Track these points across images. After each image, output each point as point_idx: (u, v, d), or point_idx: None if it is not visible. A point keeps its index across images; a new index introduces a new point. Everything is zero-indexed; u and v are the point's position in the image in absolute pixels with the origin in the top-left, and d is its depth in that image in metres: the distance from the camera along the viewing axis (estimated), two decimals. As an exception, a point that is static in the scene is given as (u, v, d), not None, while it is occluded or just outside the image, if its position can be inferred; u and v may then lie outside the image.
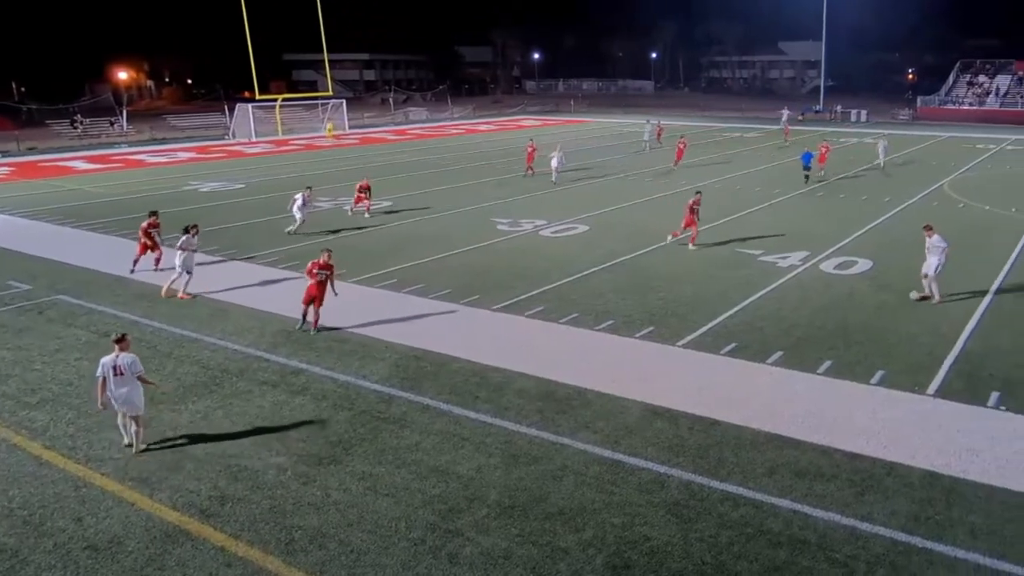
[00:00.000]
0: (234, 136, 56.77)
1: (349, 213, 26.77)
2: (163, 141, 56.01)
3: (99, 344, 14.86)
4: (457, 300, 17.33)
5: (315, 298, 15.27)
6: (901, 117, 75.15)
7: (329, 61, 62.20)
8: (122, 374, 10.54)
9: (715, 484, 9.85)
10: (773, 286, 18.22)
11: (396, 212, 27.67)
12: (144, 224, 20.29)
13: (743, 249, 21.77)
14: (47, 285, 18.77)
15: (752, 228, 24.66)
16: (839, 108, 76.48)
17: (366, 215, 26.32)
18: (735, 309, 16.54)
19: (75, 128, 59.46)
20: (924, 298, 17.06)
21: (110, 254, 21.91)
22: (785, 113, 68.51)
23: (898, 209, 27.84)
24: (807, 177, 33.38)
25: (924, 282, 17.07)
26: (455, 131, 63.64)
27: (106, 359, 10.63)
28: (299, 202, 23.62)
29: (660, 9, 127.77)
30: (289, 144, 53.18)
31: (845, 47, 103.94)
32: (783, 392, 12.51)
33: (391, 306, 17.11)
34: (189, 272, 17.82)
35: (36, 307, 17.18)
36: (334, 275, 15.62)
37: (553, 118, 78.48)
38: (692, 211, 21.63)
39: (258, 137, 55.67)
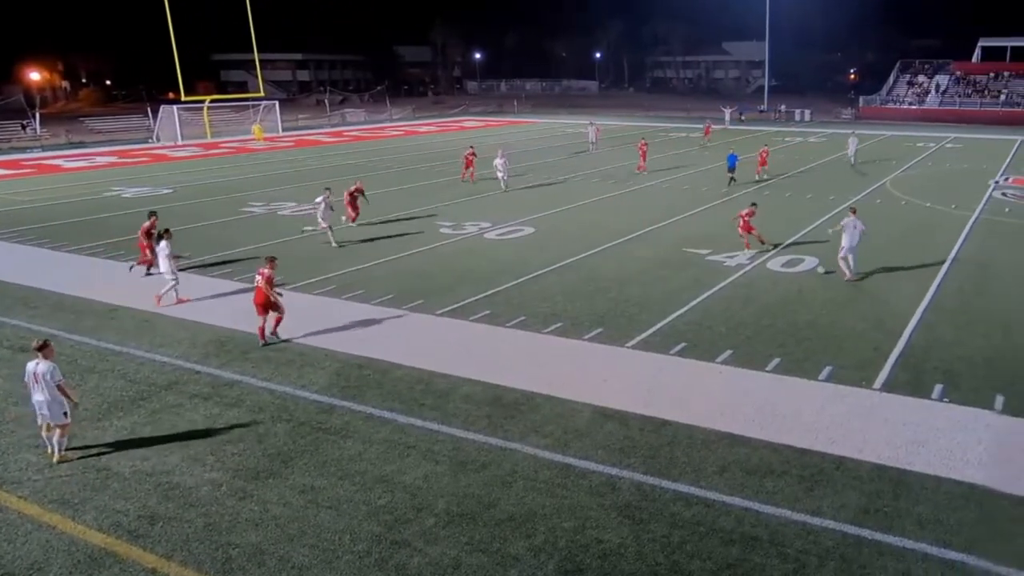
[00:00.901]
0: (158, 139, 55.67)
1: (352, 223, 25.98)
2: (81, 145, 54.56)
3: (15, 360, 14.40)
4: (400, 305, 17.27)
5: (261, 305, 14.99)
6: (844, 116, 77.52)
7: (260, 61, 61.49)
8: (38, 382, 10.49)
9: (667, 484, 10.01)
10: (721, 285, 18.60)
11: (334, 216, 27.39)
12: (145, 225, 20.09)
13: (691, 249, 22.17)
14: (-44, 298, 18.13)
15: (700, 227, 25.15)
16: (783, 107, 78.53)
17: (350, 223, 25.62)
18: (684, 309, 16.84)
19: (-16, 132, 57.61)
20: (830, 272, 19.29)
21: (25, 264, 21.26)
22: (727, 112, 70.04)
23: (843, 206, 28.64)
24: (732, 179, 33.60)
25: (841, 262, 19.10)
26: (394, 133, 63.44)
27: (29, 364, 10.64)
28: (322, 206, 23.05)
29: (604, 9, 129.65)
30: (219, 147, 52.32)
31: (789, 47, 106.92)
32: (733, 390, 12.78)
33: (331, 313, 16.95)
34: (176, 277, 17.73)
35: (-55, 322, 16.59)
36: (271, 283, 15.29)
37: (496, 119, 78.86)
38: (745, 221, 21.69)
39: (184, 140, 54.66)
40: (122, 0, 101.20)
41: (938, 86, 78.56)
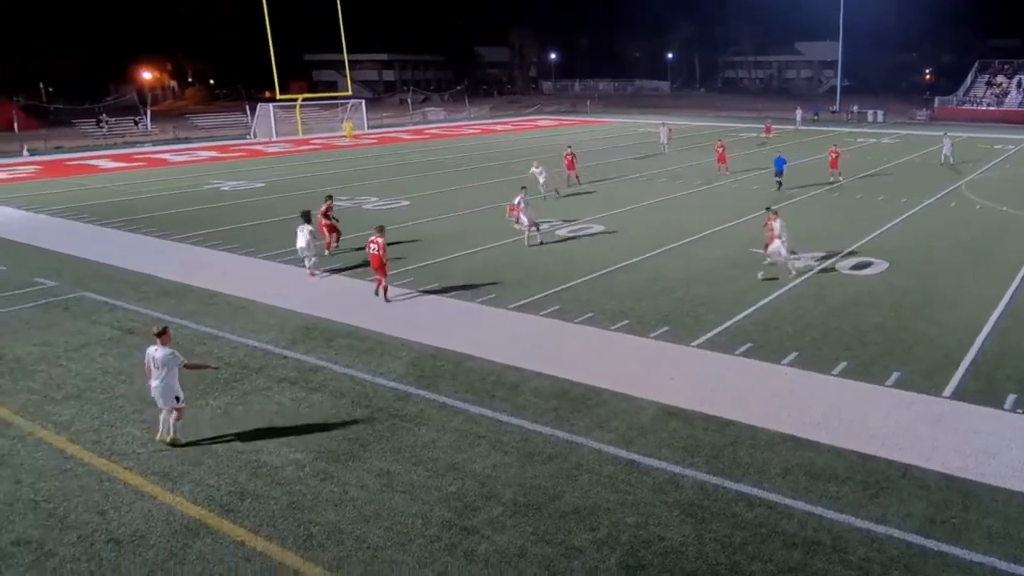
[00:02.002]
0: (255, 136, 57.09)
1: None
2: (185, 140, 56.41)
3: (123, 340, 15.01)
4: (473, 299, 17.34)
5: (378, 269, 17.12)
6: (918, 117, 74.50)
7: (349, 61, 62.33)
8: (157, 368, 10.65)
9: (729, 484, 9.80)
10: (789, 287, 18.10)
11: (413, 212, 27.72)
12: (323, 208, 21.33)
13: (759, 250, 21.61)
14: (72, 282, 18.95)
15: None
16: (855, 108, 75.90)
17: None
18: (750, 309, 16.44)
19: (100, 128, 60.00)
20: (771, 278, 18.57)
21: (134, 251, 22.10)
22: (799, 112, 68.03)
23: (915, 210, 27.57)
24: (779, 184, 31.79)
25: (769, 262, 18.96)
26: (472, 131, 63.68)
27: (149, 349, 10.85)
28: (522, 204, 22.61)
29: (677, 9, 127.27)
30: (308, 144, 53.41)
31: (863, 47, 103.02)
32: (798, 393, 12.42)
33: (408, 304, 17.15)
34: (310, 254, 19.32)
35: (62, 303, 17.35)
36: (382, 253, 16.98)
37: (569, 118, 78.39)
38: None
39: (278, 136, 55.98)
40: (225, 5, 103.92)
41: (1020, 84, 74.72)
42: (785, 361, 13.65)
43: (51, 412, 11.98)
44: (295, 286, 18.57)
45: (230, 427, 11.49)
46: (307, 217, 19.60)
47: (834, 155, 34.56)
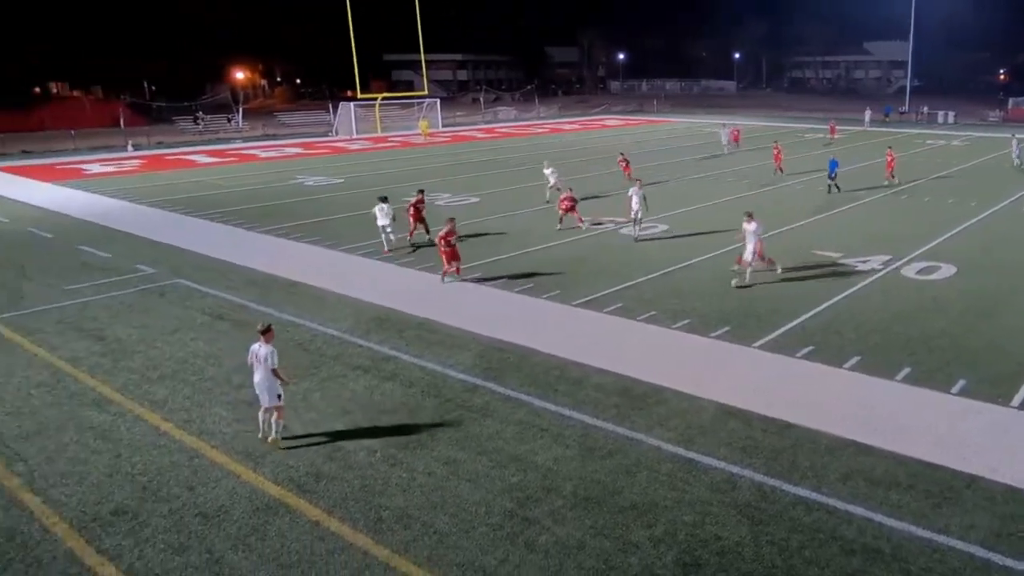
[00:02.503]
0: (337, 133, 58.10)
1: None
2: (273, 137, 57.80)
3: (213, 326, 15.48)
4: (539, 295, 17.29)
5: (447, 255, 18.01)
6: (991, 118, 71.07)
7: (426, 62, 62.79)
8: (259, 363, 10.41)
9: (787, 487, 9.53)
10: (853, 289, 17.50)
11: (483, 208, 27.79)
12: (413, 200, 22.24)
13: (823, 251, 20.99)
14: (169, 269, 19.63)
15: (833, 230, 23.77)
16: (926, 109, 72.85)
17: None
18: (813, 312, 15.95)
19: (197, 124, 61.96)
20: (744, 286, 17.66)
21: (225, 241, 22.76)
22: (868, 113, 65.75)
23: (985, 214, 26.33)
24: (833, 187, 30.21)
25: (740, 267, 17.92)
26: (541, 130, 63.51)
27: (253, 346, 10.58)
28: (635, 198, 22.35)
29: (744, 9, 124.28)
30: (387, 141, 54.11)
31: (934, 46, 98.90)
32: (859, 397, 11.99)
33: (477, 298, 17.21)
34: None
35: (158, 289, 17.99)
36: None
37: (635, 118, 77.44)
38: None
39: (359, 134, 56.84)
40: (312, 8, 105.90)
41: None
42: (847, 365, 13.19)
43: (148, 391, 12.43)
44: (370, 278, 18.83)
45: (308, 411, 11.71)
46: (384, 199, 21.51)
47: (890, 158, 33.10)
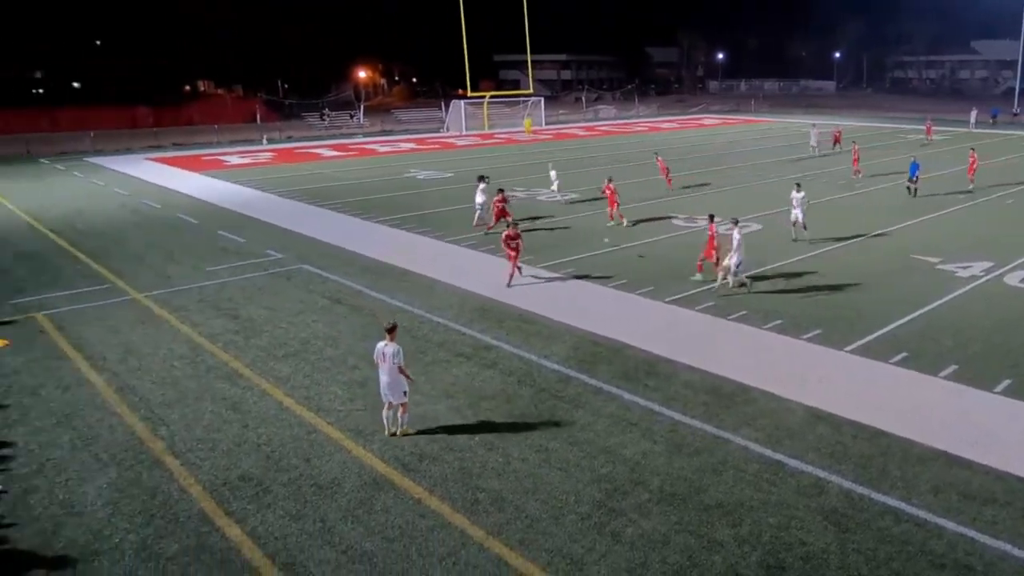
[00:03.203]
0: (448, 129, 58.86)
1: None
2: (390, 133, 59.13)
3: (332, 309, 15.98)
4: (633, 290, 16.99)
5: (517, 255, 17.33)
6: (1107, 121, 64.86)
7: (531, 62, 62.58)
8: (384, 362, 10.25)
9: (876, 496, 9.01)
10: (951, 296, 16.36)
11: (581, 203, 27.54)
12: (498, 197, 22.63)
13: (921, 256, 19.72)
14: (295, 255, 20.40)
15: (931, 234, 22.29)
16: (1035, 111, 67.20)
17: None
18: (908, 318, 15.01)
19: (323, 120, 64.11)
20: (742, 284, 16.81)
21: (344, 230, 23.46)
22: (973, 114, 61.37)
23: (1097, 221, 24.08)
24: (912, 190, 28.00)
25: (724, 271, 16.63)
26: (640, 128, 62.36)
27: (379, 344, 10.38)
28: (797, 199, 21.26)
29: (845, 8, 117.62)
30: (493, 138, 54.41)
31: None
32: (955, 408, 11.20)
33: (573, 292, 17.07)
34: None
35: (285, 273, 18.73)
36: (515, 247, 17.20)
37: (733, 117, 74.88)
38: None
39: (467, 131, 57.36)
40: (428, 11, 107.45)
41: None
42: (943, 374, 12.35)
43: (273, 368, 12.96)
44: (475, 269, 18.98)
45: (413, 394, 11.82)
46: (482, 179, 23.63)
47: (972, 160, 30.22)
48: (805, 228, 21.24)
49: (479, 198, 23.39)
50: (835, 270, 18.53)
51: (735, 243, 16.31)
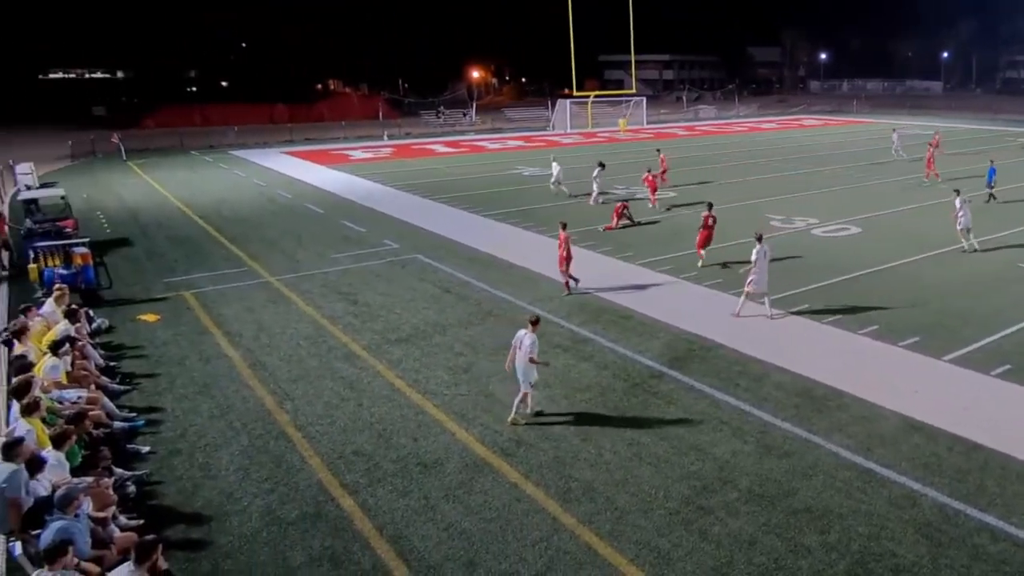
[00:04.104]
0: (553, 128, 58.54)
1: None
2: (499, 131, 59.44)
3: (442, 298, 16.25)
4: (726, 290, 16.39)
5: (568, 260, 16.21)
6: None
7: (635, 62, 61.23)
8: (520, 350, 10.30)
9: (972, 512, 8.35)
10: (1063, 309, 14.90)
11: (679, 203, 26.80)
12: (619, 205, 22.78)
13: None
14: (410, 246, 20.88)
15: (1043, 243, 20.35)
16: None
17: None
18: (1013, 328, 13.78)
19: (438, 118, 65.24)
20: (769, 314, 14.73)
21: (454, 223, 23.81)
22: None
23: None
24: (990, 196, 25.35)
25: (751, 296, 14.63)
26: (739, 129, 60.01)
27: (519, 332, 10.47)
28: (961, 208, 19.23)
29: (956, 5, 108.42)
30: (596, 136, 53.77)
31: None
32: (1064, 427, 10.21)
33: (669, 290, 16.67)
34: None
35: (400, 263, 19.21)
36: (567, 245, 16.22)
37: (834, 118, 70.76)
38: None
39: (572, 129, 56.91)
40: (537, 13, 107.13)
41: None
42: (1051, 391, 11.28)
43: (387, 351, 13.33)
44: (576, 264, 18.74)
45: (512, 382, 11.81)
46: (602, 165, 26.25)
47: None
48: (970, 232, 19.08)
49: (596, 183, 25.70)
50: (934, 276, 17.24)
51: (753, 261, 14.37)
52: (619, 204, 23.11)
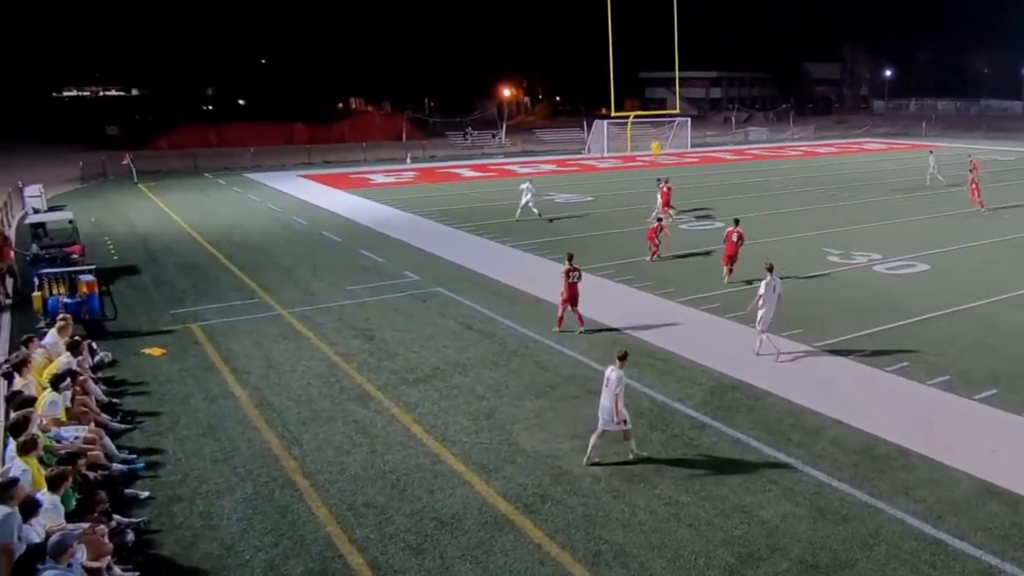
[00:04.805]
0: (589, 151, 58.82)
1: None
2: (531, 154, 59.97)
3: (463, 335, 16.30)
4: (778, 332, 16.10)
5: (569, 299, 16.17)
6: None
7: (679, 79, 61.29)
8: (607, 387, 10.71)
9: (1060, 593, 8.02)
10: None
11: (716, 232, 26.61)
12: (655, 227, 22.94)
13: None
14: (431, 278, 21.04)
15: None
16: None
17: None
18: (1107, 382, 13.34)
19: (465, 139, 66.13)
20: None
21: (479, 254, 23.97)
22: None
23: None
24: None
25: (761, 335, 14.69)
26: (794, 153, 59.73)
27: (607, 369, 10.92)
28: None
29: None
30: (635, 160, 53.90)
31: None
32: None
33: (713, 330, 16.51)
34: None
35: (421, 296, 19.35)
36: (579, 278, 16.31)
37: (900, 141, 69.93)
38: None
39: (609, 152, 57.12)
40: (574, 28, 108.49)
41: None
42: None
43: (403, 392, 13.37)
44: (609, 300, 18.77)
45: (540, 430, 11.91)
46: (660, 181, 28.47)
47: None
48: None
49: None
50: (1013, 321, 16.82)
51: (760, 294, 14.54)
52: (651, 228, 23.19)
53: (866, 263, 22.14)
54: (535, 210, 29.40)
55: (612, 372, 10.68)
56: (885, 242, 24.74)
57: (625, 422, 10.68)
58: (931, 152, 40.43)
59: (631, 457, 10.81)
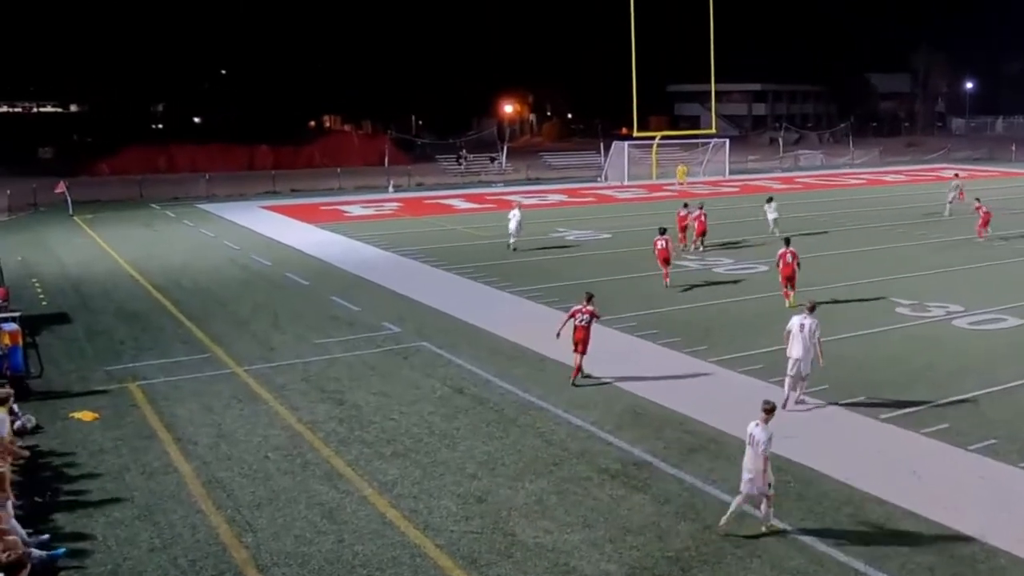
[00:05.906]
0: (606, 179, 59.18)
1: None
2: (536, 181, 60.61)
3: (452, 400, 16.35)
4: (835, 399, 16.17)
5: (579, 342, 16.82)
6: None
7: (716, 93, 60.97)
8: (751, 446, 11.30)
9: None
10: None
11: (766, 281, 26.75)
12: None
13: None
14: (414, 330, 21.16)
15: None
16: None
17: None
18: None
19: (459, 164, 66.95)
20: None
21: (473, 301, 24.13)
22: None
23: None
24: None
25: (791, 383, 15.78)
26: (855, 181, 60.34)
27: (750, 424, 11.49)
28: None
29: None
30: (662, 190, 54.26)
31: None
32: None
33: (756, 397, 16.39)
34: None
35: (402, 352, 19.45)
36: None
37: (985, 168, 70.41)
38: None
39: (630, 180, 57.38)
40: (587, 35, 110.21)
41: None
42: None
43: (379, 468, 13.36)
44: (629, 358, 18.85)
45: (541, 516, 11.86)
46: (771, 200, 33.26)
47: None
48: None
49: (771, 215, 32.78)
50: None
51: (787, 333, 15.92)
52: (661, 250, 25.20)
53: (944, 316, 22.19)
54: (512, 239, 32.03)
55: (757, 428, 11.13)
56: (967, 291, 24.82)
57: (770, 486, 11.10)
58: (956, 175, 41.47)
59: (764, 529, 11.18)
